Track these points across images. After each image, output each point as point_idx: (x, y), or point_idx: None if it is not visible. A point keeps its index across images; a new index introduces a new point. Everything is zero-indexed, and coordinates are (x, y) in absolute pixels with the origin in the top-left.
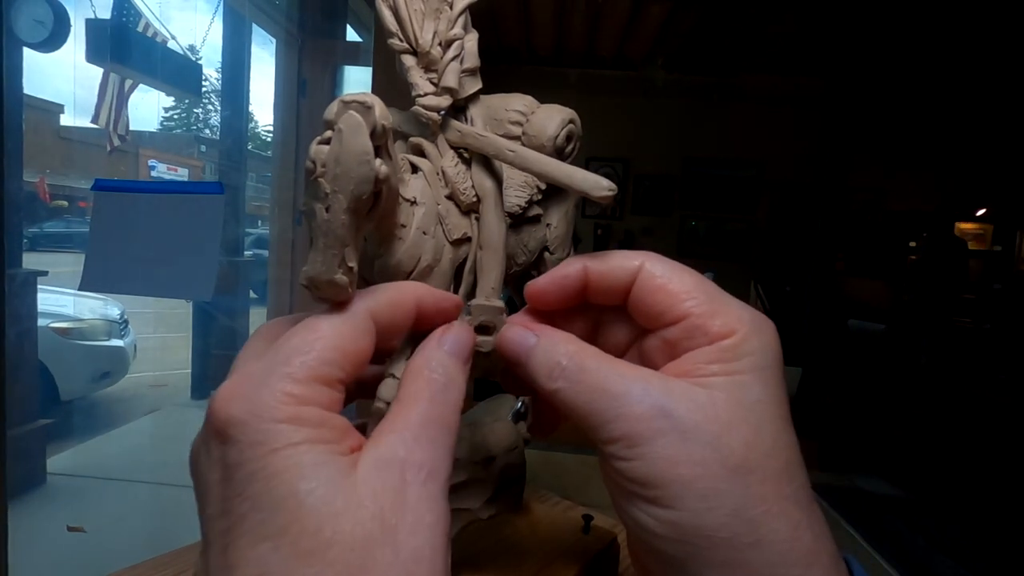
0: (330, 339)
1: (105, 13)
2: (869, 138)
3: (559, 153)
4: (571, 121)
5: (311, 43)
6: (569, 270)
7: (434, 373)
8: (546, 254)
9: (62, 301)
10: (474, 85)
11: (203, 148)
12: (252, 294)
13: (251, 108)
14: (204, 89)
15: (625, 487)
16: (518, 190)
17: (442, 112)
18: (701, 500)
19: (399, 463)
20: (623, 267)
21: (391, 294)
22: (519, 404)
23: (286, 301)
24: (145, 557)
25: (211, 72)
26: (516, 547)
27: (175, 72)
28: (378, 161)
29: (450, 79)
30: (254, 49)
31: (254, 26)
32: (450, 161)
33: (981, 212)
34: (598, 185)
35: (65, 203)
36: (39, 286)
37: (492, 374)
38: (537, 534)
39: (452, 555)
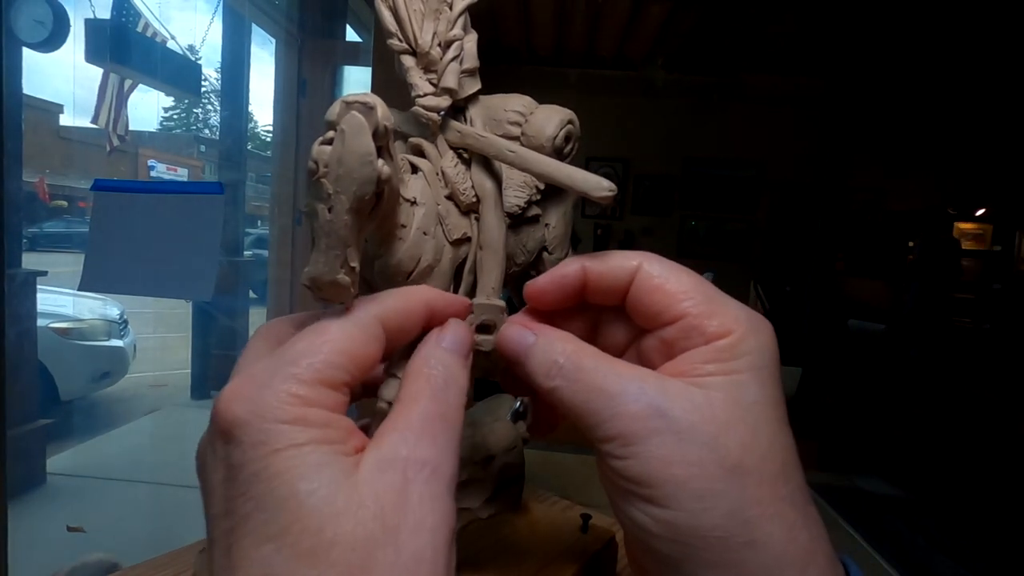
0: (338, 342)
1: (105, 13)
2: (869, 138)
3: (558, 153)
4: (570, 122)
5: (311, 43)
6: (568, 270)
7: (434, 371)
8: (545, 254)
9: (62, 301)
10: (473, 86)
11: (203, 148)
12: (252, 294)
13: (251, 108)
14: (204, 89)
15: (621, 486)
16: (517, 190)
17: (442, 113)
18: (696, 500)
19: (401, 462)
20: (621, 267)
21: (401, 300)
22: (518, 404)
23: (286, 301)
24: (145, 557)
25: (211, 72)
26: (515, 547)
27: (175, 72)
28: (380, 162)
29: (450, 80)
30: (254, 49)
31: (254, 26)
32: (450, 161)
33: (981, 212)
34: (598, 186)
35: (65, 203)
36: (39, 286)
37: (492, 374)
38: (536, 533)
39: None
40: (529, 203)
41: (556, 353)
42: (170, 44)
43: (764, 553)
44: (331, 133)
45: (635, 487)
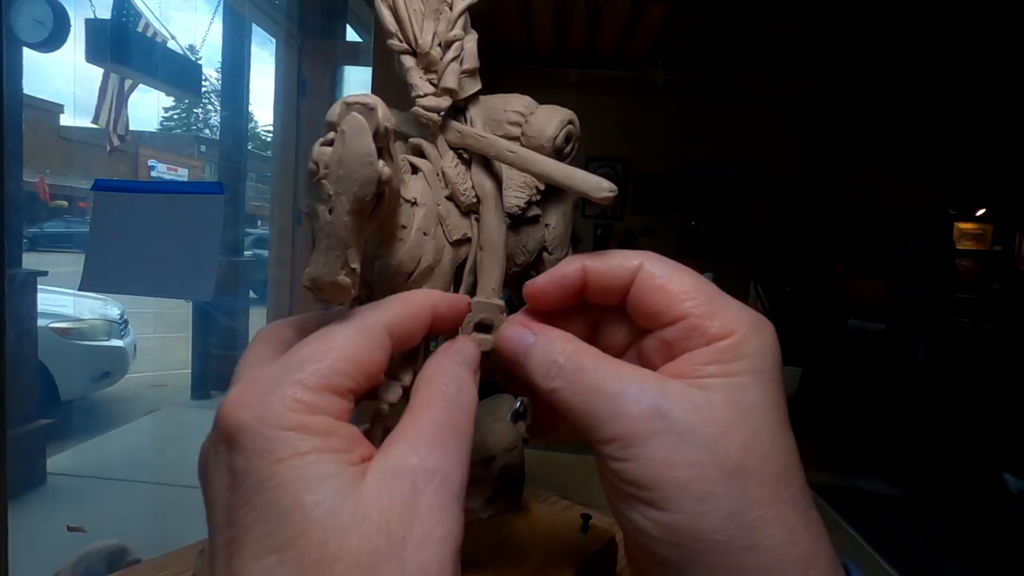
0: (344, 349)
1: (105, 13)
2: (869, 138)
3: (558, 154)
4: (570, 122)
5: (311, 43)
6: (568, 269)
7: (446, 379)
8: (545, 254)
9: (62, 301)
10: (473, 86)
11: (203, 148)
12: (252, 294)
13: (251, 108)
14: (204, 89)
15: (621, 488)
16: (517, 191)
17: (442, 113)
18: (696, 503)
19: (411, 471)
20: (622, 266)
21: (407, 307)
22: (518, 404)
23: (286, 301)
24: (145, 557)
25: (211, 72)
26: (515, 547)
27: (175, 72)
28: (381, 163)
29: (450, 80)
30: (254, 49)
31: (254, 26)
32: (450, 162)
33: (981, 212)
34: (599, 186)
35: (65, 203)
36: (39, 286)
37: (492, 374)
38: (536, 534)
39: None
40: (529, 203)
41: (556, 353)
42: (170, 44)
43: (765, 556)
44: (332, 134)
45: (635, 490)
